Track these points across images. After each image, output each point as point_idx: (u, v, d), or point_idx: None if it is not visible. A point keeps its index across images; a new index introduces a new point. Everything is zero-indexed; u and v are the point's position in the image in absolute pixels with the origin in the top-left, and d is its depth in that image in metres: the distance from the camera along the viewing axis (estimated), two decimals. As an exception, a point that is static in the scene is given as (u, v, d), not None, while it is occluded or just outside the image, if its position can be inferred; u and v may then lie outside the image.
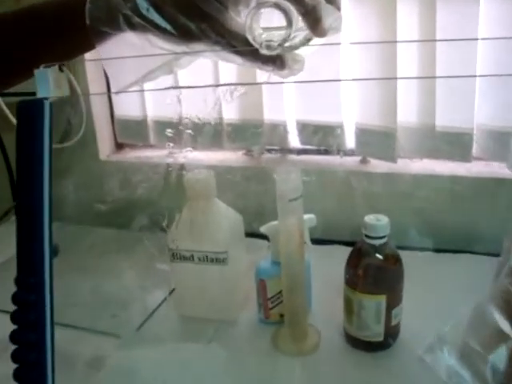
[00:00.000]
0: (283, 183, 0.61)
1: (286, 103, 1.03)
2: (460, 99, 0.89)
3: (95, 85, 1.15)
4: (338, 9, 0.44)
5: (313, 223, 0.74)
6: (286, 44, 0.43)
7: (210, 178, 0.74)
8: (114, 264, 0.96)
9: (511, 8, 0.82)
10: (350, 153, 1.03)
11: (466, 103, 0.89)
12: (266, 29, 0.44)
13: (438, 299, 0.79)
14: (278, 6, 0.42)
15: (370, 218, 0.66)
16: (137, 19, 0.44)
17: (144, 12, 0.43)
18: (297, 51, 0.45)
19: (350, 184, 0.99)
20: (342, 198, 1.01)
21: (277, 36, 0.43)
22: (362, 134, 0.99)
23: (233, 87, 0.65)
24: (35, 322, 0.37)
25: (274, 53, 0.43)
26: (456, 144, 0.92)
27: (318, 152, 1.07)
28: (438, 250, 0.94)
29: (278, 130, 1.04)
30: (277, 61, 0.44)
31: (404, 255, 0.69)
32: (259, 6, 0.42)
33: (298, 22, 0.43)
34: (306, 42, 0.45)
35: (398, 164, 0.98)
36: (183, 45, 0.45)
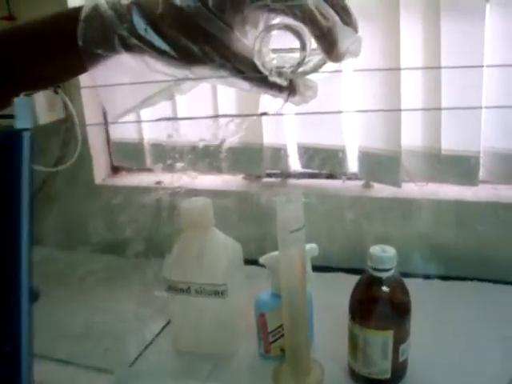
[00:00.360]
0: (284, 213, 0.58)
1: (286, 126, 1.00)
2: (466, 121, 0.87)
3: (91, 107, 1.13)
4: (356, 31, 0.40)
5: (315, 253, 0.71)
6: (299, 70, 0.40)
7: (207, 207, 0.71)
8: (109, 293, 0.92)
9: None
10: (353, 177, 1.00)
11: (472, 125, 0.87)
12: (275, 50, 0.41)
13: (446, 331, 0.76)
14: (290, 29, 0.38)
15: (375, 250, 0.62)
16: (134, 40, 0.40)
17: (142, 32, 0.40)
18: (309, 76, 0.42)
19: (352, 209, 0.96)
20: (344, 223, 0.98)
21: (288, 61, 0.40)
22: (365, 157, 0.96)
23: (230, 118, 0.61)
24: (10, 377, 0.33)
25: (285, 81, 0.40)
26: (462, 167, 0.89)
27: (320, 176, 1.04)
28: (444, 278, 0.91)
29: (279, 153, 1.01)
30: (287, 87, 0.41)
31: (409, 283, 0.65)
32: (269, 28, 0.39)
33: (312, 44, 0.39)
34: (319, 66, 0.41)
35: (402, 188, 0.95)
36: (185, 68, 0.41)
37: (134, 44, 0.41)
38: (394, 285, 0.63)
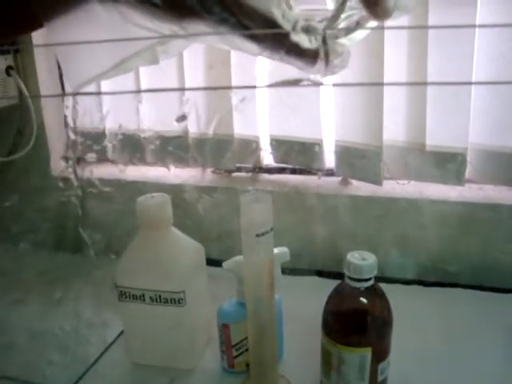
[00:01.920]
0: (249, 215, 0.50)
1: (259, 117, 0.93)
2: (453, 115, 0.80)
3: (49, 91, 1.04)
4: None
5: (286, 258, 0.63)
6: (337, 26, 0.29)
7: (165, 204, 0.63)
8: (60, 296, 0.84)
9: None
10: (330, 173, 0.93)
11: (459, 120, 0.80)
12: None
13: (429, 345, 0.70)
14: None
15: (353, 257, 0.55)
16: None
17: None
18: (339, 40, 0.32)
19: (329, 208, 0.89)
20: (320, 223, 0.91)
21: (319, 16, 0.30)
22: (344, 152, 0.89)
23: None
24: None
25: (315, 41, 0.29)
26: (448, 165, 0.83)
27: (294, 172, 0.96)
28: (426, 284, 0.85)
29: (250, 146, 0.93)
30: (312, 52, 0.30)
31: (388, 289, 0.58)
32: None
33: None
34: (358, 26, 0.31)
35: (382, 186, 0.88)
36: (173, 23, 0.31)
37: None
38: (374, 296, 0.56)
